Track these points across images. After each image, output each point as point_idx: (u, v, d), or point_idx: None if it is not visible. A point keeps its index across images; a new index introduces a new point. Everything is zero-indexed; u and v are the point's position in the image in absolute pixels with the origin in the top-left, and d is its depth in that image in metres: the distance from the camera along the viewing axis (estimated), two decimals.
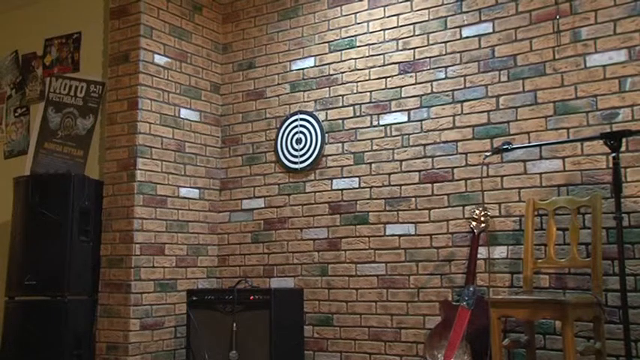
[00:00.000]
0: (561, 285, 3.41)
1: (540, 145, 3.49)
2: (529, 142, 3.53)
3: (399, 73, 4.04)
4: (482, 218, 3.50)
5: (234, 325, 3.90)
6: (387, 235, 3.96)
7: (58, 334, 3.95)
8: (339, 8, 4.33)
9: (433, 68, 3.93)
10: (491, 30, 3.76)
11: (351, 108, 4.20)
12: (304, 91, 4.41)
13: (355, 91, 4.19)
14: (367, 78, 4.16)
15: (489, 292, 3.53)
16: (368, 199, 4.06)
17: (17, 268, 4.17)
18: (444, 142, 3.84)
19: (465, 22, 3.85)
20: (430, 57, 3.95)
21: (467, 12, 3.85)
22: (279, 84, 4.54)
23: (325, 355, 4.07)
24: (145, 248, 4.14)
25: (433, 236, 3.82)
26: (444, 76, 3.89)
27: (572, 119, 3.48)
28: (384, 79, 4.08)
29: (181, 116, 4.49)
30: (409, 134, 3.96)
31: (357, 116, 4.17)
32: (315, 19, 4.42)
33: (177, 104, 4.47)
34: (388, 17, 4.13)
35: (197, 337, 4.00)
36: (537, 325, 3.36)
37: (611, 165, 2.57)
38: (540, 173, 3.53)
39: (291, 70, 4.49)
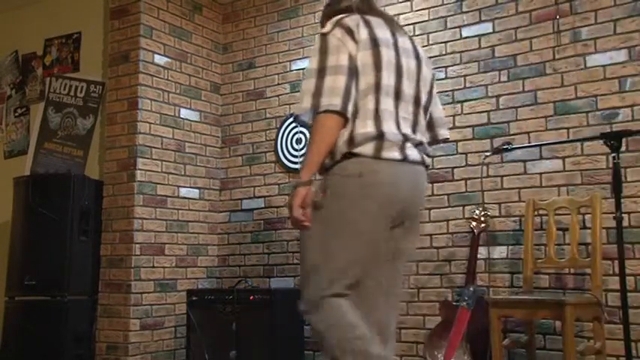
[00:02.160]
0: (561, 285, 3.41)
1: (540, 145, 3.49)
2: (529, 142, 3.53)
3: None
4: (482, 218, 3.49)
5: (234, 325, 3.89)
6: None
7: (58, 334, 3.95)
8: None
9: (433, 68, 3.91)
10: (491, 30, 3.76)
11: None
12: None
13: None
14: None
15: (489, 292, 3.53)
16: None
17: (17, 268, 4.17)
18: (444, 142, 3.83)
19: (465, 22, 3.85)
20: (430, 57, 3.94)
21: (467, 12, 3.85)
22: (279, 84, 4.54)
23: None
24: (145, 248, 4.14)
25: (433, 236, 3.81)
26: (444, 76, 3.89)
27: (572, 119, 3.48)
28: None
29: (181, 116, 4.49)
30: None
31: None
32: (315, 19, 4.42)
33: (177, 104, 4.47)
34: None
35: (197, 337, 4.00)
36: (537, 325, 3.36)
37: (611, 165, 2.57)
38: (540, 173, 3.53)
39: (291, 70, 4.49)
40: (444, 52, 3.90)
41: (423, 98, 2.29)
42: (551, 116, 3.54)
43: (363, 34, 2.16)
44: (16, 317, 4.15)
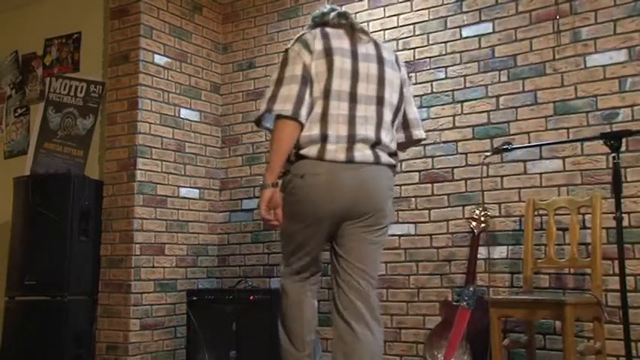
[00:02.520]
0: (561, 285, 3.41)
1: (540, 145, 3.49)
2: (529, 142, 3.53)
3: None
4: (482, 218, 3.49)
5: (234, 325, 3.89)
6: (387, 235, 3.95)
7: (58, 334, 3.95)
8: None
9: (433, 68, 3.93)
10: (491, 30, 3.76)
11: None
12: None
13: None
14: None
15: (489, 292, 3.53)
16: None
17: (17, 268, 4.17)
18: (444, 142, 3.84)
19: (465, 22, 3.85)
20: (430, 57, 3.95)
21: (467, 12, 3.85)
22: None
23: (325, 355, 4.06)
24: (145, 248, 4.14)
25: (433, 236, 3.81)
26: (444, 76, 3.89)
27: (572, 119, 3.48)
28: None
29: (181, 116, 4.49)
30: None
31: None
32: None
33: (177, 104, 4.47)
34: (388, 17, 4.12)
35: (197, 337, 4.00)
36: (537, 325, 3.36)
37: (611, 165, 2.57)
38: (540, 173, 3.53)
39: None
40: (444, 52, 3.90)
41: (391, 98, 2.47)
42: (551, 116, 3.54)
43: (318, 45, 2.40)
44: (16, 317, 4.15)
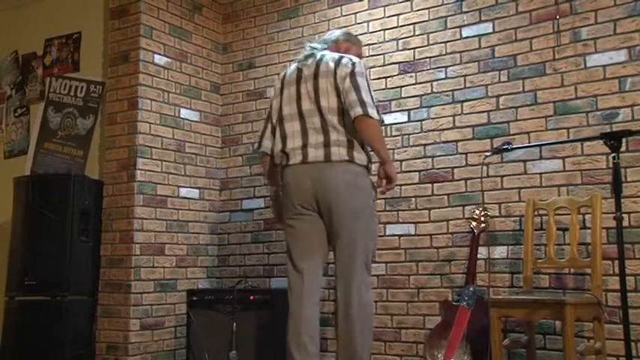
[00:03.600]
0: (561, 285, 3.41)
1: (540, 145, 3.49)
2: (529, 142, 3.53)
3: (399, 73, 4.04)
4: (482, 218, 3.49)
5: (234, 325, 3.89)
6: (387, 235, 3.96)
7: (58, 334, 3.95)
8: (339, 8, 4.33)
9: (433, 68, 3.93)
10: (491, 30, 3.76)
11: None
12: None
13: None
14: None
15: (489, 292, 3.53)
16: None
17: (17, 268, 4.17)
18: (444, 142, 3.84)
19: (465, 22, 3.85)
20: (430, 57, 3.95)
21: (467, 12, 3.85)
22: None
23: (325, 355, 4.07)
24: (145, 248, 4.14)
25: (433, 236, 3.81)
26: (444, 76, 3.89)
27: (572, 119, 3.48)
28: (384, 79, 4.08)
29: (181, 116, 4.49)
30: (409, 134, 3.96)
31: None
32: (315, 19, 4.42)
33: (177, 104, 4.47)
34: (388, 17, 4.12)
35: (197, 337, 4.00)
36: (537, 325, 3.36)
37: (611, 165, 2.57)
38: (540, 173, 3.53)
39: None
40: (444, 52, 3.90)
41: (328, 104, 2.94)
42: (551, 116, 3.54)
43: (278, 85, 3.14)
44: (16, 317, 4.14)
